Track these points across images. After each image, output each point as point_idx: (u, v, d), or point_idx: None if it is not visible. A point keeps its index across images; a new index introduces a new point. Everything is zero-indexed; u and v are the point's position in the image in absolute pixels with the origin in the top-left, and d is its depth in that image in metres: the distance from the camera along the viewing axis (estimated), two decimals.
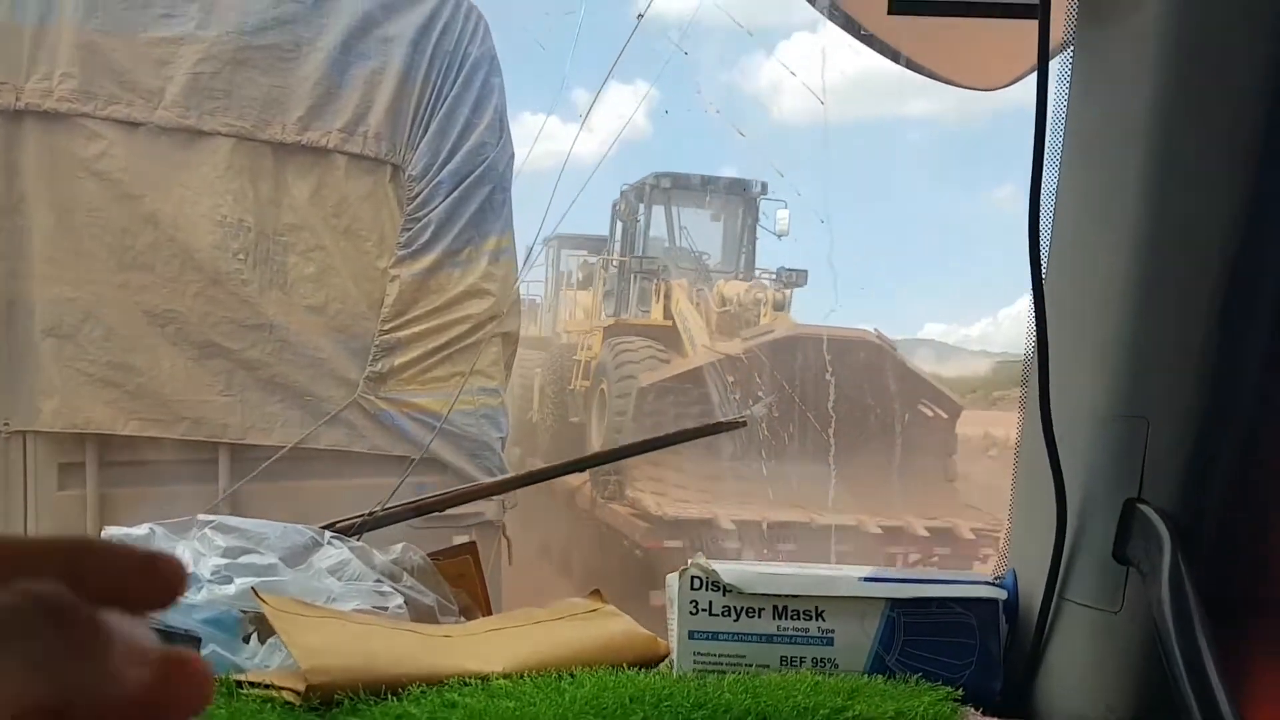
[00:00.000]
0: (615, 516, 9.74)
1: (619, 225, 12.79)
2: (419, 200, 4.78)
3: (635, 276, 12.27)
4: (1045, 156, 1.14)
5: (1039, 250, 1.16)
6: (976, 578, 1.30)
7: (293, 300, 4.69)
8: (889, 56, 1.54)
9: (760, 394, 9.41)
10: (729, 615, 1.26)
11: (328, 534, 1.41)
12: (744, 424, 1.42)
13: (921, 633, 1.24)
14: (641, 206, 12.42)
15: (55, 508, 4.45)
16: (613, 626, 1.35)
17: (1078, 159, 1.23)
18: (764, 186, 12.43)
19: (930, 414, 10.44)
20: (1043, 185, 1.17)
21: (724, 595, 1.26)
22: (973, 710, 1.16)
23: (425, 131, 4.75)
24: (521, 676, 1.16)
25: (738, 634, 1.26)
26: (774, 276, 12.32)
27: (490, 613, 1.50)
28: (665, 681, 1.15)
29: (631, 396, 10.21)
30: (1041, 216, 1.17)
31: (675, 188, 12.35)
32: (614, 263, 12.81)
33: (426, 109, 4.75)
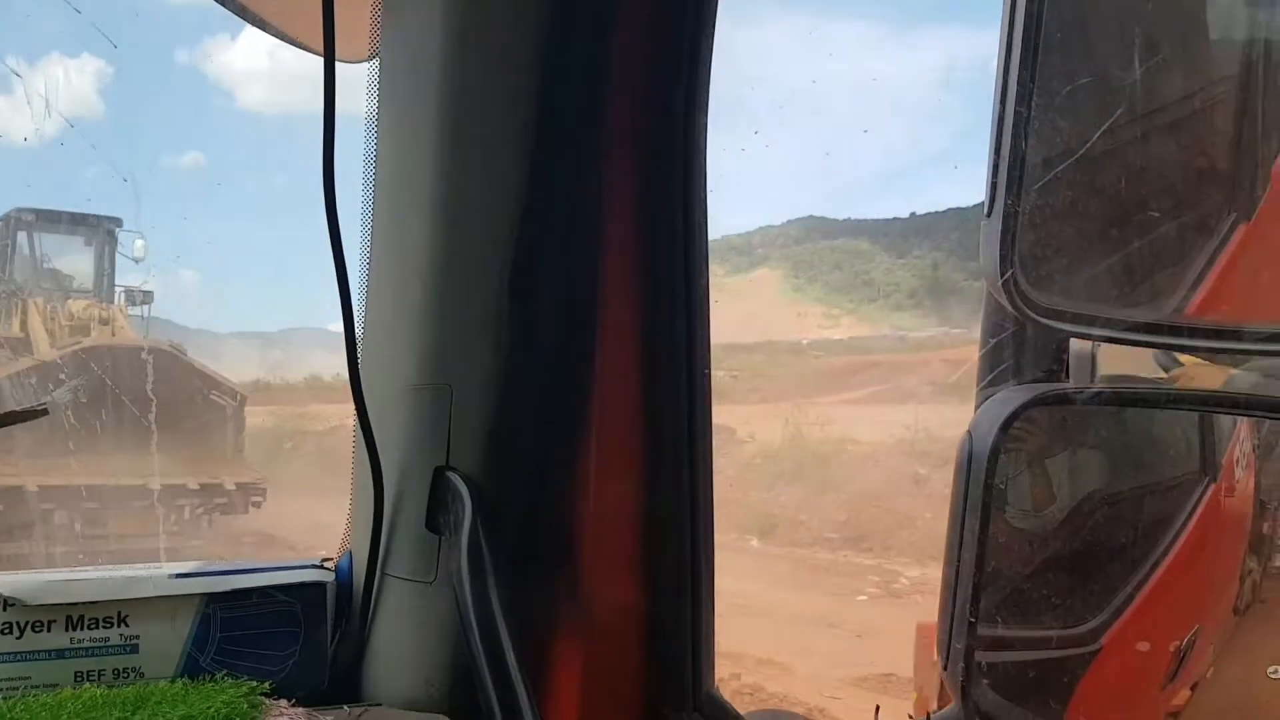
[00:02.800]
0: None
1: None
2: None
3: None
4: (336, 129, 1.10)
5: (337, 224, 1.12)
6: (304, 563, 1.23)
7: None
8: (234, 11, 1.43)
9: (63, 378, 11.59)
10: (11, 633, 1.08)
11: None
12: (46, 412, 1.27)
13: (241, 627, 1.16)
14: (9, 234, 14.69)
15: None
16: None
17: (390, 131, 1.22)
18: (119, 221, 15.25)
19: (221, 402, 13.30)
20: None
21: (4, 610, 1.09)
22: (283, 702, 1.10)
23: None
24: None
25: (22, 653, 1.09)
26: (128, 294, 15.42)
27: None
28: None
29: None
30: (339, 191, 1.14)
31: (38, 220, 14.73)
32: None
33: None
